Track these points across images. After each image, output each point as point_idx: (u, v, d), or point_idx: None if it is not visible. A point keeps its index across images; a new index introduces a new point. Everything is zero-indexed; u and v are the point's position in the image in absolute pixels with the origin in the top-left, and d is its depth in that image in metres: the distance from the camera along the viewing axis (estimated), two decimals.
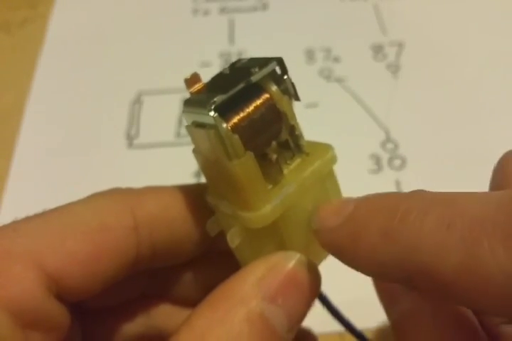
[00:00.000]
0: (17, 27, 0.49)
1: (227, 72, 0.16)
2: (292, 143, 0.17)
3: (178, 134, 0.40)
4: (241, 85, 0.15)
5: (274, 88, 0.16)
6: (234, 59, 0.45)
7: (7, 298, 0.16)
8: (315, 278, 0.16)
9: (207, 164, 0.17)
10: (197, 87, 0.16)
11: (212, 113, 0.15)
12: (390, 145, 0.38)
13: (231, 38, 0.47)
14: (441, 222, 0.13)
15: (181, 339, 0.14)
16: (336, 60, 0.44)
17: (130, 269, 0.18)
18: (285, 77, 0.16)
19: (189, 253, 0.20)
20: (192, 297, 0.22)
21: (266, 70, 0.16)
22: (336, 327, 0.22)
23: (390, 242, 0.14)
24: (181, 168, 0.37)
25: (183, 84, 0.16)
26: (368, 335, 0.22)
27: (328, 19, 0.48)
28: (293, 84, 0.17)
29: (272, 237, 0.17)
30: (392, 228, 0.14)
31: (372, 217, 0.15)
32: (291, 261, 0.16)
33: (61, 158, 0.39)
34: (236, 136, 0.15)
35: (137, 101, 0.42)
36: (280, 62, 0.16)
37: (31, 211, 0.17)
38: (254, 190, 0.16)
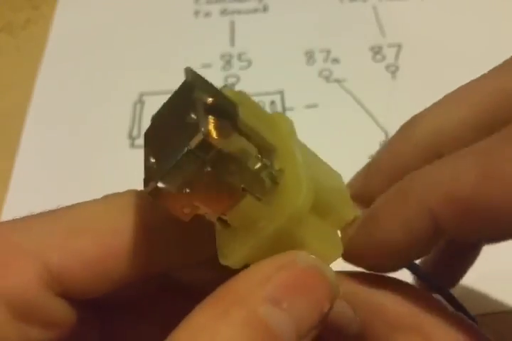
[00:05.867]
0: (20, 28, 0.49)
1: (167, 111, 0.15)
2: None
3: None
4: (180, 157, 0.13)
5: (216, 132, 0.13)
6: (234, 60, 0.45)
7: (3, 289, 0.16)
8: (329, 283, 0.15)
9: None
10: None
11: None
12: None
13: (232, 40, 0.47)
14: None
15: (176, 338, 0.13)
16: (336, 60, 0.45)
17: (142, 271, 0.18)
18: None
19: (209, 250, 0.18)
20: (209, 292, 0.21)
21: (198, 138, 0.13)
22: None
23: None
24: None
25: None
26: None
27: (328, 20, 0.48)
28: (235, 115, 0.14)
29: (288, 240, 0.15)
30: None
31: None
32: (302, 262, 0.14)
33: (64, 158, 0.39)
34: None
35: (139, 101, 0.43)
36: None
37: (34, 212, 0.18)
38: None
